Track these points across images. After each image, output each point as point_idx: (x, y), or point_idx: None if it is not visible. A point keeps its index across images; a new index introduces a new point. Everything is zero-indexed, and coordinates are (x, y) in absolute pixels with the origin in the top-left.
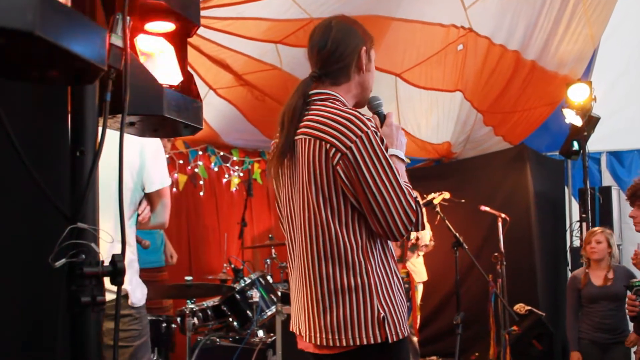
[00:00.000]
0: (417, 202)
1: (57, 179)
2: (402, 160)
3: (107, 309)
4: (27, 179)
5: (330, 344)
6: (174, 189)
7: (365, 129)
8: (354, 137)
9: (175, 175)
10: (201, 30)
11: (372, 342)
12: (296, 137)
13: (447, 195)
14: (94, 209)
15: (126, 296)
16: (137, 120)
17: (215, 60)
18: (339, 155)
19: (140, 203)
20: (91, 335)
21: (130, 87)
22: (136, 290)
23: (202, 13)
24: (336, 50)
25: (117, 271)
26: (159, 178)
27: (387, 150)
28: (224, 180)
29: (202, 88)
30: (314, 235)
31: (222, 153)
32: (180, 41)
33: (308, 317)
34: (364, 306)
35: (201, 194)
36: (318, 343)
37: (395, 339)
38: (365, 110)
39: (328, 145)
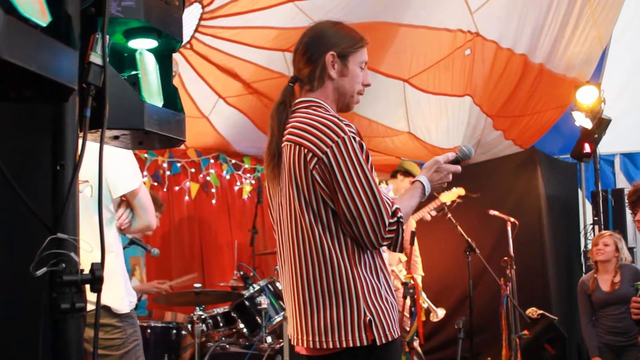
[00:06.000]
0: (398, 221)
1: (39, 191)
2: (422, 191)
3: (89, 318)
4: (9, 191)
5: (317, 347)
6: (186, 197)
7: (342, 134)
8: (330, 142)
9: (188, 183)
10: (209, 40)
11: (359, 344)
12: (282, 144)
13: (462, 191)
14: (74, 219)
15: (105, 307)
16: (120, 134)
17: (223, 69)
18: (315, 159)
19: (118, 209)
20: (72, 340)
21: (111, 103)
22: (123, 299)
23: (210, 23)
24: (304, 56)
25: (95, 279)
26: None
27: (367, 161)
28: (236, 188)
29: (211, 97)
30: (300, 240)
31: (233, 161)
32: (163, 57)
33: (297, 320)
34: (350, 309)
35: (213, 201)
36: (308, 345)
37: (384, 341)
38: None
39: (306, 150)
